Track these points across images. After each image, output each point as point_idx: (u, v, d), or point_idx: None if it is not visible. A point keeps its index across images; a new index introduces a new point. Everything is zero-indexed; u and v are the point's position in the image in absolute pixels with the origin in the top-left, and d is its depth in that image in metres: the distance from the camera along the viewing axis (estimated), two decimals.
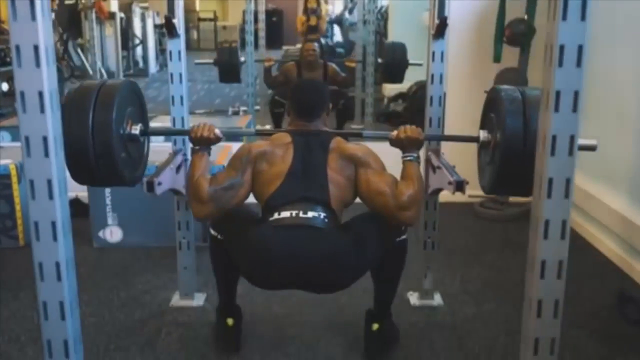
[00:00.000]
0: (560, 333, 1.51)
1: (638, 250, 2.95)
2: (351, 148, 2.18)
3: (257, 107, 5.67)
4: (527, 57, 3.82)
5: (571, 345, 2.31)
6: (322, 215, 2.03)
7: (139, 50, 9.15)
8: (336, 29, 8.28)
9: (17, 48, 1.37)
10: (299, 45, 5.96)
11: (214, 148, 2.21)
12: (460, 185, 2.10)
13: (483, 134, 2.11)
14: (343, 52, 7.38)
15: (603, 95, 3.34)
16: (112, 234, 3.35)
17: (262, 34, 5.86)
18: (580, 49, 1.35)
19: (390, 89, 6.06)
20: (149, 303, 2.69)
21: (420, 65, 4.33)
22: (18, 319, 2.53)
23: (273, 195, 2.09)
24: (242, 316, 2.34)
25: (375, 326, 2.23)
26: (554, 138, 1.39)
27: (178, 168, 2.43)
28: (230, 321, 2.28)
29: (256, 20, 5.75)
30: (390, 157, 2.18)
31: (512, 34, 3.81)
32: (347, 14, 7.99)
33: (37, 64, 1.37)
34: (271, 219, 2.04)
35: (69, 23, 6.31)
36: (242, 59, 4.99)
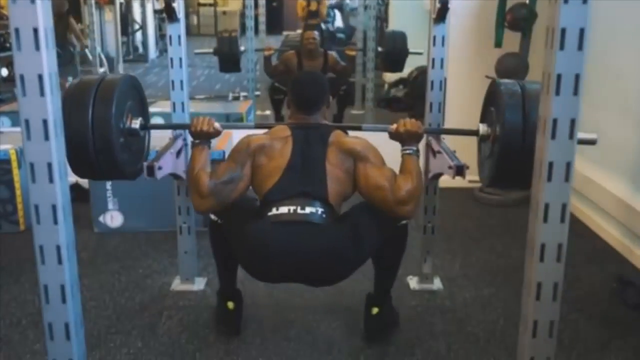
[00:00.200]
0: (559, 316, 1.52)
1: (638, 235, 2.95)
2: (350, 142, 2.17)
3: (258, 93, 5.65)
4: (528, 42, 3.80)
5: (570, 329, 2.32)
6: (320, 210, 2.04)
7: (138, 35, 9.11)
8: (337, 14, 8.24)
9: (17, 31, 1.36)
10: (299, 31, 5.94)
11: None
12: (460, 170, 2.10)
13: (483, 128, 2.11)
14: (343, 38, 7.35)
15: (605, 80, 3.33)
16: (113, 218, 3.36)
17: (262, 19, 5.83)
18: (581, 32, 1.34)
19: (390, 74, 6.04)
20: (149, 287, 2.70)
21: (420, 54, 4.32)
22: (19, 303, 2.55)
23: (271, 190, 2.10)
24: (242, 300, 2.36)
25: (375, 310, 2.25)
26: (554, 121, 1.39)
27: (178, 153, 2.43)
28: (230, 305, 2.29)
29: (256, 5, 5.72)
30: (388, 149, 2.18)
31: (514, 18, 3.79)
32: None
33: (37, 47, 1.36)
34: (269, 214, 2.05)
35: (69, 7, 6.26)
36: (242, 47, 4.97)
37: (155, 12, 9.15)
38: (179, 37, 2.47)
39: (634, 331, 2.35)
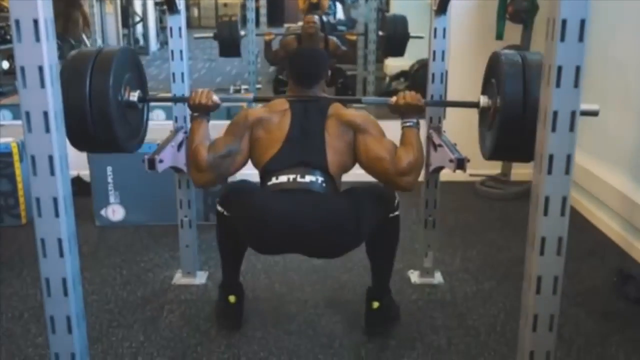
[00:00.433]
0: (559, 310, 1.52)
1: (638, 228, 2.95)
2: (350, 114, 2.17)
3: (259, 86, 5.64)
4: (529, 35, 3.79)
5: (570, 323, 2.33)
6: (320, 179, 2.05)
7: (139, 27, 9.08)
8: (338, 6, 8.20)
9: (17, 22, 1.35)
10: (300, 23, 5.92)
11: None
12: (461, 163, 2.09)
13: (483, 99, 2.11)
14: (345, 30, 7.31)
15: (605, 72, 3.32)
16: (114, 212, 3.36)
17: (263, 11, 5.80)
18: (582, 23, 1.34)
19: (392, 67, 6.01)
20: (151, 281, 2.71)
21: (421, 38, 4.27)
22: (21, 296, 2.55)
23: (270, 161, 2.10)
24: (244, 293, 2.36)
25: (376, 304, 2.24)
26: (555, 114, 1.39)
27: (179, 146, 2.42)
28: (232, 298, 2.30)
29: None
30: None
31: (515, 10, 3.77)
32: None
33: (37, 38, 1.36)
34: (269, 183, 2.06)
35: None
36: (242, 32, 4.96)
37: (156, 4, 9.09)
38: (180, 29, 2.46)
39: (635, 325, 2.35)
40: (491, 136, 2.05)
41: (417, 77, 5.43)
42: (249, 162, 2.21)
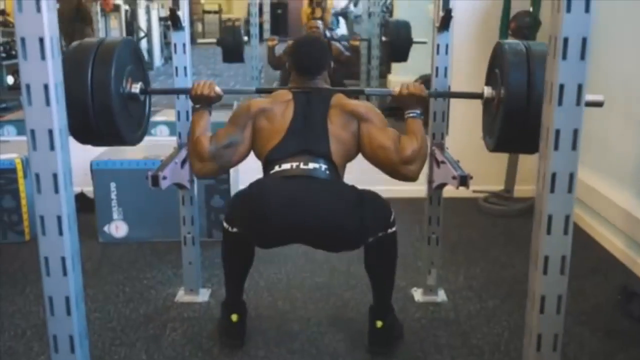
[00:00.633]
0: (563, 329, 1.51)
1: None
2: (353, 104, 2.19)
3: None
4: None
5: (574, 342, 2.31)
6: (324, 167, 2.06)
7: (143, 43, 9.13)
8: (341, 21, 8.25)
9: (23, 40, 1.36)
10: None
11: None
12: (464, 180, 2.09)
13: (487, 90, 2.10)
14: (347, 45, 7.35)
15: (608, 88, 3.32)
16: (118, 228, 3.36)
17: (266, 26, 5.85)
18: (584, 41, 1.34)
19: (395, 82, 6.03)
20: (154, 298, 2.70)
21: (424, 43, 4.26)
22: (24, 314, 2.54)
23: (273, 150, 2.11)
24: (247, 311, 2.35)
25: (380, 323, 2.22)
26: (557, 132, 1.39)
27: (183, 162, 2.43)
28: (235, 317, 2.28)
29: (261, 12, 5.73)
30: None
31: (518, 27, 3.79)
32: (352, 7, 7.96)
33: (43, 56, 1.36)
34: (272, 171, 2.06)
35: (75, 15, 6.29)
36: (246, 38, 4.96)
37: (161, 19, 9.17)
38: (184, 45, 2.47)
39: (639, 344, 2.33)
40: (495, 127, 2.03)
41: None
42: (252, 155, 2.21)
